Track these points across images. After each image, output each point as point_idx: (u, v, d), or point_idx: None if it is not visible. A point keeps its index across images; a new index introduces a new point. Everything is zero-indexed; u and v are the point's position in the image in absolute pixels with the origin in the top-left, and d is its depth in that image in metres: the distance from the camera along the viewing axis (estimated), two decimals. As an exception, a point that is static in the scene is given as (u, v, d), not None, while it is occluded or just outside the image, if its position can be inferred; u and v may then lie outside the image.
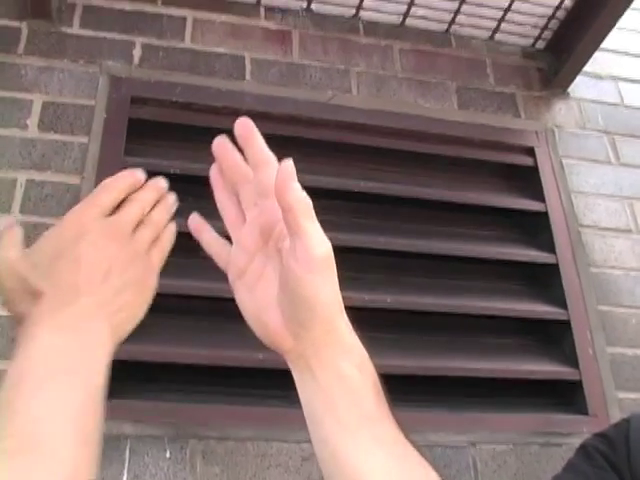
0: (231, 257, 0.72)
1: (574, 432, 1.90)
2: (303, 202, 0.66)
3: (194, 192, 1.94)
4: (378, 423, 0.68)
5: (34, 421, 0.52)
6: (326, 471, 0.68)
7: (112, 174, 1.82)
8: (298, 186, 0.66)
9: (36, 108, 1.92)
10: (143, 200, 0.76)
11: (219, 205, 0.77)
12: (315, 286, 0.64)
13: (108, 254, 0.67)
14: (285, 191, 0.64)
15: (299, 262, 0.63)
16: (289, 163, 0.66)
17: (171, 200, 0.81)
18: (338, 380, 0.66)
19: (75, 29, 2.07)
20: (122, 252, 0.69)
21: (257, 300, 0.69)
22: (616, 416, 1.94)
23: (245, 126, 0.71)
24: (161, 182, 0.80)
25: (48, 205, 1.79)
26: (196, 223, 0.76)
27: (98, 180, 1.88)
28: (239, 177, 0.75)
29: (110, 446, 1.56)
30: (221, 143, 0.75)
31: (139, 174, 0.80)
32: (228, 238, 0.74)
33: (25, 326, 0.62)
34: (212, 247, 0.75)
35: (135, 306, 0.68)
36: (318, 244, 0.64)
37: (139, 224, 0.74)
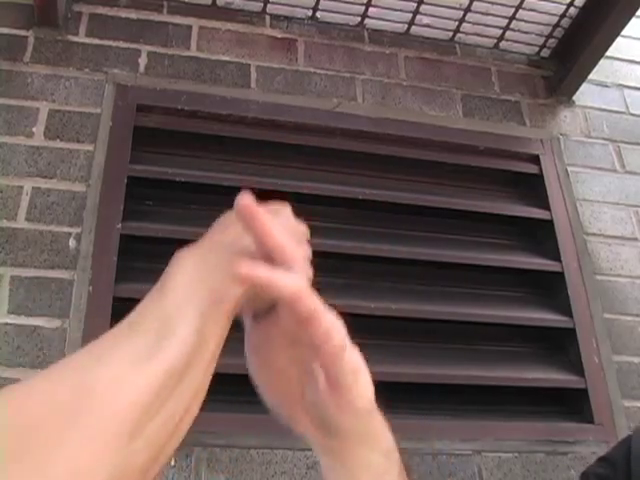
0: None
1: (580, 440, 1.89)
2: (353, 361, 0.63)
3: (199, 200, 1.95)
4: None
5: (166, 317, 0.54)
6: None
7: (118, 182, 1.82)
8: (353, 354, 0.63)
9: (42, 116, 1.92)
10: None
11: None
12: (352, 423, 0.63)
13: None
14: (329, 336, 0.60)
15: (340, 408, 0.62)
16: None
17: None
18: (366, 468, 0.66)
19: (81, 37, 2.08)
20: None
21: (280, 384, 0.67)
22: (622, 425, 1.94)
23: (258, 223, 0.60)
24: None
25: (54, 213, 1.80)
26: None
27: (104, 188, 1.89)
28: None
29: (115, 454, 1.56)
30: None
31: None
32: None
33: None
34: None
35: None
36: (360, 396, 0.62)
37: None
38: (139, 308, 0.55)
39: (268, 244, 0.60)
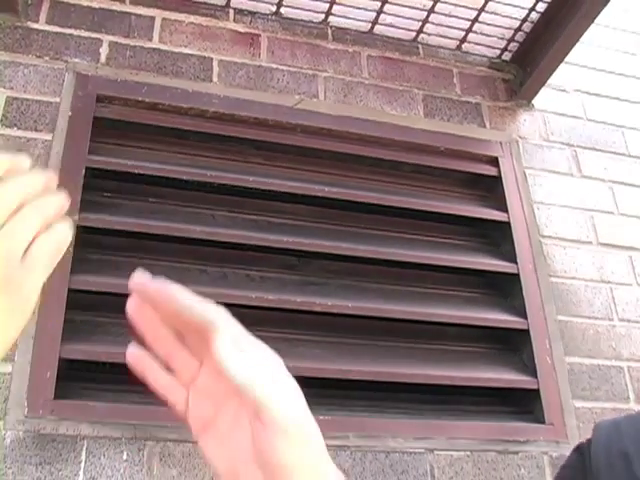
0: (192, 406, 0.63)
1: (531, 440, 1.92)
2: (254, 380, 0.57)
3: (157, 193, 1.94)
4: None
5: None
6: None
7: (76, 173, 1.80)
8: (242, 364, 0.57)
9: (-1, 103, 1.89)
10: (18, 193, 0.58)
11: (153, 343, 0.64)
12: (292, 454, 0.57)
13: None
14: (231, 377, 0.57)
15: (268, 428, 0.56)
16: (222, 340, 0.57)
17: (61, 200, 0.61)
18: None
19: (42, 24, 2.05)
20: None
21: (232, 454, 0.60)
22: (572, 425, 1.97)
23: (160, 291, 0.60)
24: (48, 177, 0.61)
25: (9, 202, 1.77)
26: (135, 356, 0.64)
27: (61, 178, 1.85)
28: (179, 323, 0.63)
29: (66, 447, 1.55)
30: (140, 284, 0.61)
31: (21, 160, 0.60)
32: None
33: None
34: (164, 391, 0.64)
35: (3, 334, 0.56)
36: (285, 413, 0.57)
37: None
38: None
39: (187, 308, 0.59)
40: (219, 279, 1.87)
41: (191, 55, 2.15)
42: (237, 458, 0.60)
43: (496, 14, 2.38)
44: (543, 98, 2.53)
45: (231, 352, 0.57)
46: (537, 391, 2.00)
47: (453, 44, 2.49)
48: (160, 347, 0.63)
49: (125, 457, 1.58)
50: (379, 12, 2.35)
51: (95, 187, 1.88)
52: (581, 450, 0.87)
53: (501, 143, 2.38)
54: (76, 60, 2.02)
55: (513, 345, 2.12)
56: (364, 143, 2.21)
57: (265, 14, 2.31)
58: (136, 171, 1.90)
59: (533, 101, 2.51)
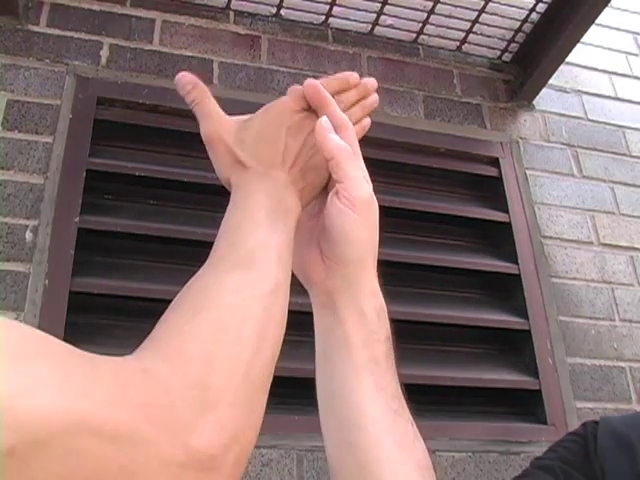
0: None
1: (533, 441, 1.92)
2: (343, 150, 0.74)
3: (158, 195, 1.94)
4: (384, 372, 0.74)
5: (251, 250, 0.65)
6: (325, 405, 0.74)
7: (77, 175, 1.79)
8: (336, 137, 0.74)
9: (0, 106, 1.89)
10: (345, 101, 0.84)
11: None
12: (354, 223, 0.72)
13: (300, 143, 0.78)
14: (324, 142, 0.73)
15: (342, 200, 0.72)
16: (324, 119, 0.75)
17: (373, 100, 0.88)
18: (358, 317, 0.74)
19: (42, 27, 2.05)
20: (310, 142, 0.78)
21: (308, 233, 0.78)
22: (574, 425, 1.95)
23: (316, 92, 0.80)
24: (371, 82, 0.87)
25: (11, 205, 1.77)
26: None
27: (62, 180, 1.86)
28: None
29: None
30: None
31: (352, 78, 0.85)
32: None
33: (235, 188, 0.76)
34: None
35: (315, 187, 0.78)
36: (359, 187, 0.73)
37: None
38: (225, 240, 0.69)
39: (334, 115, 0.77)
40: (220, 281, 1.86)
41: (192, 57, 2.15)
42: (309, 236, 0.78)
43: (496, 15, 2.38)
44: (544, 99, 2.53)
45: (332, 132, 0.75)
46: (539, 392, 1.99)
47: (453, 45, 2.49)
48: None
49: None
50: (379, 13, 2.35)
51: (96, 189, 1.88)
52: (586, 426, 0.88)
53: (502, 144, 2.38)
54: (76, 63, 2.02)
55: (514, 346, 2.12)
56: (364, 144, 2.19)
57: (265, 16, 2.31)
58: (137, 173, 1.90)
59: (534, 102, 2.51)
